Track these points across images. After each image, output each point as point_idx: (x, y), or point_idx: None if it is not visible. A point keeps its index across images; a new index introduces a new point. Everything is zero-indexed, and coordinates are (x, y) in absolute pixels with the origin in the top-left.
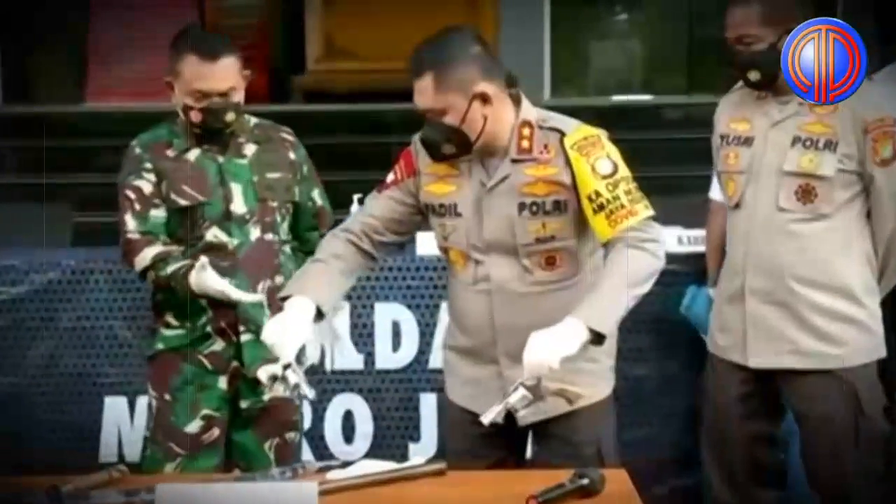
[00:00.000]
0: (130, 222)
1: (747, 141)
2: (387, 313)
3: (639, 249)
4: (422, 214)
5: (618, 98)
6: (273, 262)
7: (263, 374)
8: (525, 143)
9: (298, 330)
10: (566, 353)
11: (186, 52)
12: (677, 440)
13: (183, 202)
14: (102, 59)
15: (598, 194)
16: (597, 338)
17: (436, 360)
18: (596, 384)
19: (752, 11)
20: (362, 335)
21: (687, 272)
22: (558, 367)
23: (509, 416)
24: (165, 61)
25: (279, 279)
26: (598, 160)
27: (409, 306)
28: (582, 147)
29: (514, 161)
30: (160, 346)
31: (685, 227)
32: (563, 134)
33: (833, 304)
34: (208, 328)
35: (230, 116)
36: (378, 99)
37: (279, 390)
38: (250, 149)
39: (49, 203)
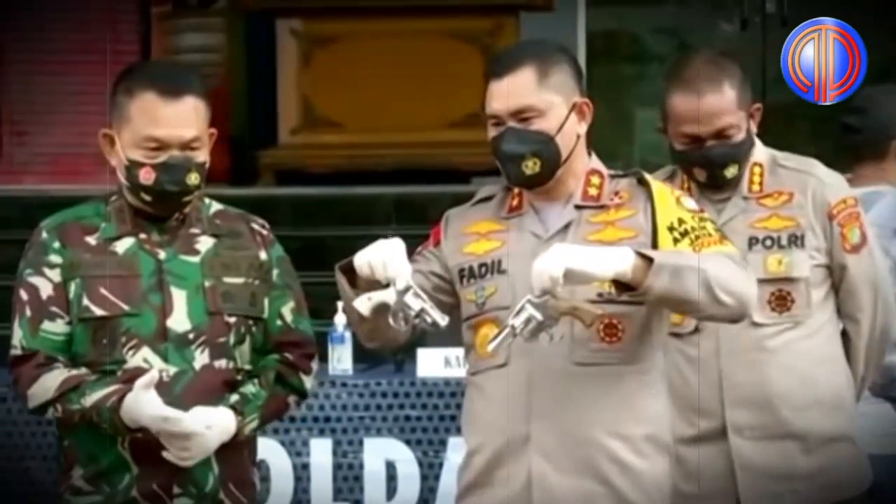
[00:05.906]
0: (17, 333)
1: None
2: (379, 451)
3: (730, 258)
4: (448, 293)
5: None
6: (224, 399)
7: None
8: (593, 191)
9: (402, 253)
10: (581, 267)
11: (141, 88)
12: None
13: (99, 312)
14: (17, 129)
15: (681, 221)
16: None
17: None
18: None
19: (726, 96)
20: (348, 479)
21: None
22: (560, 277)
23: None
24: (96, 132)
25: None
26: (682, 196)
27: (407, 442)
28: (664, 184)
29: (578, 207)
30: None
31: None
32: (640, 175)
33: (832, 427)
34: (133, 492)
35: (193, 179)
36: (368, 181)
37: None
38: (205, 243)
39: None
